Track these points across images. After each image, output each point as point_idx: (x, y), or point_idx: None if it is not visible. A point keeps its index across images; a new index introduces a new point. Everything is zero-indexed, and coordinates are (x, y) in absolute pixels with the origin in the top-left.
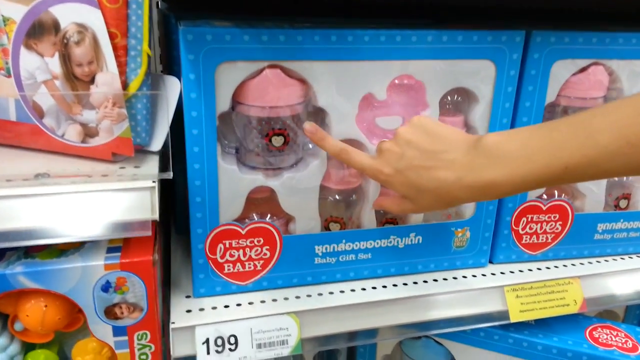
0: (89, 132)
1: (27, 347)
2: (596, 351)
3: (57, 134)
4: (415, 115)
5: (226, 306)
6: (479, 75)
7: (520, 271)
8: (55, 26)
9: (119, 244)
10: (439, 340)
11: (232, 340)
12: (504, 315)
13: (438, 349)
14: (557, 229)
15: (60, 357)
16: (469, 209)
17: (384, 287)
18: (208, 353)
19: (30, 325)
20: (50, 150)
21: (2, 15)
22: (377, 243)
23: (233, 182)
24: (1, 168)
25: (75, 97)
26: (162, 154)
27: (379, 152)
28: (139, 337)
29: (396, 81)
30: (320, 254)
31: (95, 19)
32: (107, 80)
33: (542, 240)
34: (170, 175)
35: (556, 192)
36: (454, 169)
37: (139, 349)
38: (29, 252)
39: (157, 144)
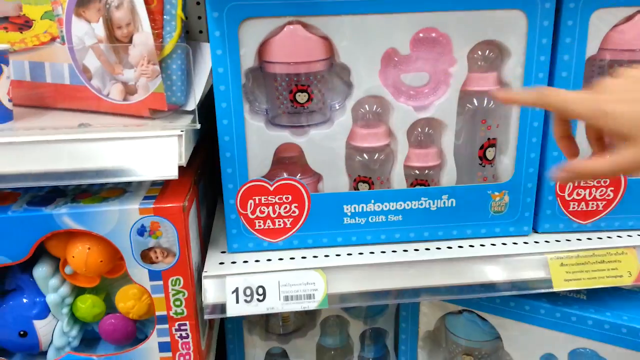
0: (129, 90)
1: (78, 292)
2: None
3: (103, 93)
4: (443, 70)
5: (257, 260)
6: (509, 26)
7: (568, 240)
8: None
9: (156, 193)
10: (482, 315)
11: (261, 291)
12: (547, 283)
13: (482, 324)
14: (609, 195)
15: (106, 304)
16: (506, 171)
17: (416, 250)
18: (237, 302)
19: (75, 266)
20: (97, 110)
21: None
22: (408, 204)
23: (261, 139)
24: (52, 121)
25: (116, 57)
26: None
27: (594, 88)
28: (173, 283)
29: (420, 35)
30: (349, 214)
31: None
32: (143, 39)
33: (592, 208)
34: (197, 126)
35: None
36: None
37: (173, 294)
38: (76, 199)
39: (193, 103)
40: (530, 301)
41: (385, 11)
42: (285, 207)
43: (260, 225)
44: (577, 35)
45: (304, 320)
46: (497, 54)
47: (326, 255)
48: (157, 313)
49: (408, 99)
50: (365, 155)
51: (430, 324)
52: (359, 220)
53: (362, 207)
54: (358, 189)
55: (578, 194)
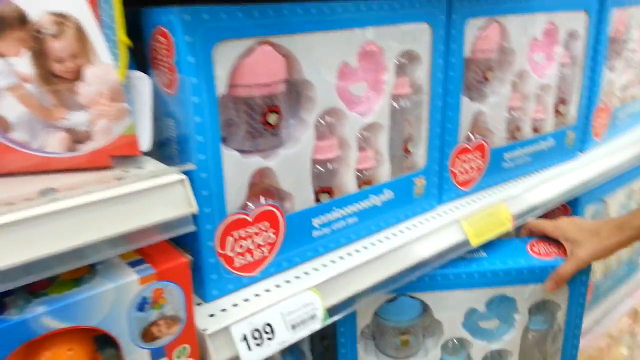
0: (77, 138)
1: None
2: (545, 263)
3: (31, 148)
4: (378, 78)
5: (246, 300)
6: (421, 38)
7: (462, 205)
8: (21, 19)
9: (137, 257)
10: (412, 295)
11: (268, 329)
12: (466, 244)
13: (412, 303)
14: (480, 164)
15: None
16: (419, 160)
17: (373, 244)
18: (249, 349)
19: None
20: (22, 171)
21: None
22: (361, 205)
23: (236, 169)
24: None
25: (56, 99)
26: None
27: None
28: (178, 355)
29: (363, 49)
30: (317, 227)
31: (78, 6)
32: (99, 73)
33: (470, 177)
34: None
35: (471, 136)
36: None
37: None
38: (35, 292)
39: (145, 142)
40: (451, 270)
41: (338, 27)
42: (264, 236)
43: (240, 262)
44: (458, 42)
45: None
46: (409, 61)
47: (306, 273)
48: None
49: (355, 107)
50: (326, 166)
51: (367, 318)
52: (325, 231)
53: (327, 216)
54: (320, 201)
55: (463, 168)
